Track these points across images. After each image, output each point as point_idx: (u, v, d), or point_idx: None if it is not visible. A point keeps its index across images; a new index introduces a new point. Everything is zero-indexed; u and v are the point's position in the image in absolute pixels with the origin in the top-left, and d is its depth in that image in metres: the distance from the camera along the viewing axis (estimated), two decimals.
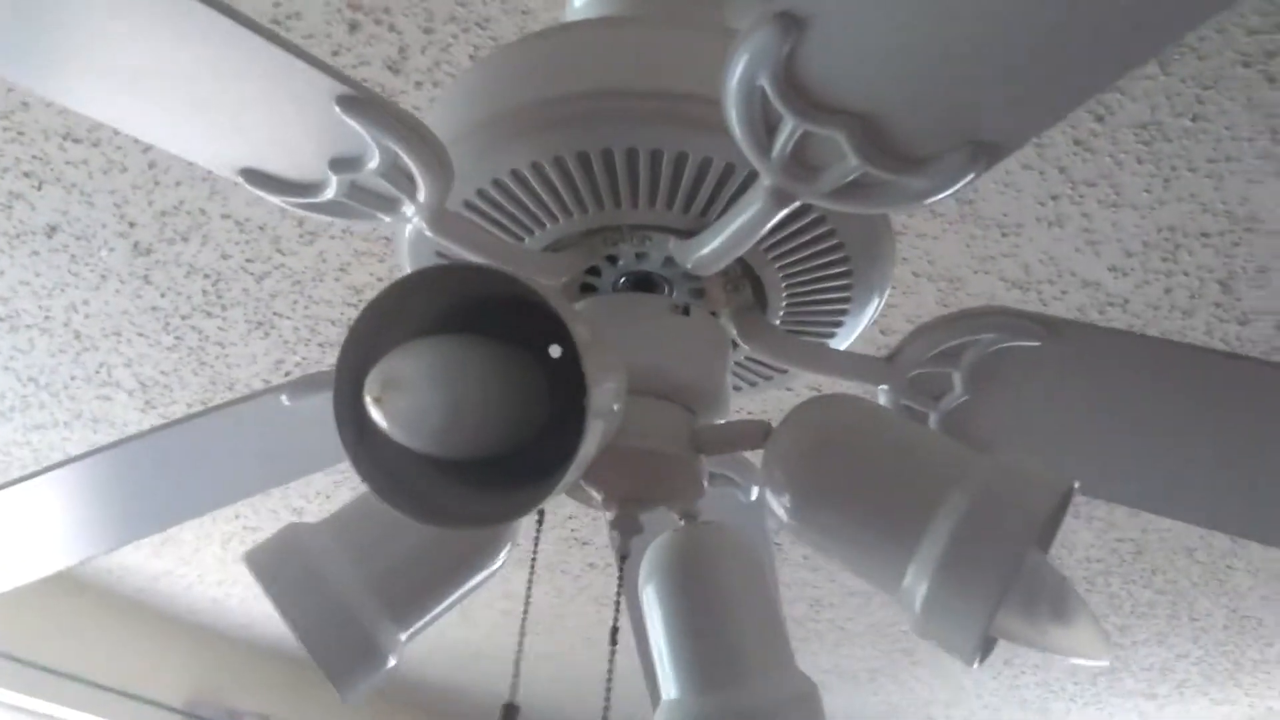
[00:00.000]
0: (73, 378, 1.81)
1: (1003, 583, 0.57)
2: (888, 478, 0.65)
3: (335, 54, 1.12)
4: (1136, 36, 0.54)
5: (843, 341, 0.86)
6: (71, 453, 2.06)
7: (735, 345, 0.83)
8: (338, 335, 1.61)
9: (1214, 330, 1.38)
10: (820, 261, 0.78)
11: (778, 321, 0.83)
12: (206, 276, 1.51)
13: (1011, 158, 1.08)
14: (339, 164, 0.65)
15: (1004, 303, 1.38)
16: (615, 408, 0.56)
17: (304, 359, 1.68)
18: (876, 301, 0.83)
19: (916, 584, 0.60)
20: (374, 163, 0.64)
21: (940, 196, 0.62)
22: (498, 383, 0.53)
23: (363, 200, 0.68)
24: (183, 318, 1.61)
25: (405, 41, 1.09)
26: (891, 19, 0.55)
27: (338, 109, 0.60)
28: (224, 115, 0.62)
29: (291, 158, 0.65)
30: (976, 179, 0.61)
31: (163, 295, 1.56)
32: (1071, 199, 1.20)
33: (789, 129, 0.60)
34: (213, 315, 1.59)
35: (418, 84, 1.14)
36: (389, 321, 0.51)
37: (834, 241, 0.76)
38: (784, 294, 0.81)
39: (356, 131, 0.61)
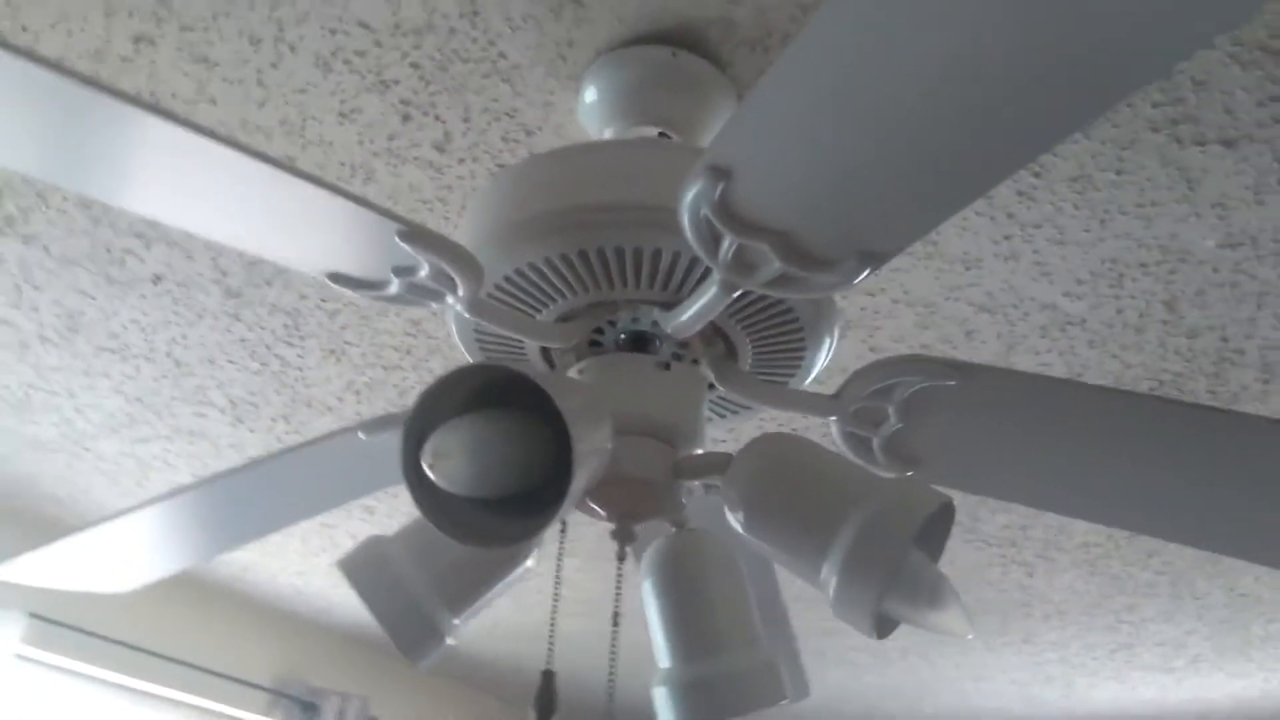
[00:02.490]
0: (173, 398, 2.08)
1: (886, 578, 0.77)
2: (811, 498, 0.85)
3: (392, 138, 1.35)
4: (986, 170, 0.74)
5: (802, 381, 1.07)
6: (171, 462, 2.34)
7: (713, 387, 1.04)
8: (398, 359, 1.85)
9: (1166, 343, 1.55)
10: (776, 323, 0.98)
11: (747, 368, 1.04)
12: (287, 313, 1.76)
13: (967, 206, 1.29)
14: (399, 270, 0.87)
15: (975, 324, 1.56)
16: (598, 456, 0.77)
17: (370, 379, 1.93)
18: (826, 350, 1.03)
19: (828, 578, 0.81)
20: (424, 271, 0.86)
21: (845, 288, 0.82)
22: (513, 444, 0.74)
23: (417, 295, 0.90)
24: (267, 347, 1.86)
25: (449, 128, 1.32)
26: (789, 170, 0.75)
27: (398, 239, 0.82)
28: (315, 243, 0.85)
29: (364, 268, 0.88)
30: (871, 274, 0.81)
31: (250, 329, 1.82)
32: (1022, 238, 1.38)
33: (728, 242, 0.81)
34: (292, 345, 1.84)
35: (460, 160, 1.37)
36: (437, 404, 0.73)
37: (785, 308, 0.96)
38: (750, 347, 1.02)
39: (411, 252, 0.84)
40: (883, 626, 0.82)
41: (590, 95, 1.20)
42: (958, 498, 1.03)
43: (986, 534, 2.23)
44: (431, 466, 0.70)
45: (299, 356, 1.88)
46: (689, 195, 0.78)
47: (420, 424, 0.72)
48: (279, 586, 3.12)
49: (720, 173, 0.76)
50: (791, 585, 2.71)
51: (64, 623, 2.77)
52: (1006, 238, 1.38)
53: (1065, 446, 0.96)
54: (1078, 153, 1.24)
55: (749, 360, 1.03)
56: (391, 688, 3.60)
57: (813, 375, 1.06)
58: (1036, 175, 1.28)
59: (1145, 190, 1.28)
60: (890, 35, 0.63)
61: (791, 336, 1.00)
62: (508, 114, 1.28)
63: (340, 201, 0.78)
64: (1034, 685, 3.17)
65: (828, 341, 1.02)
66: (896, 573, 0.78)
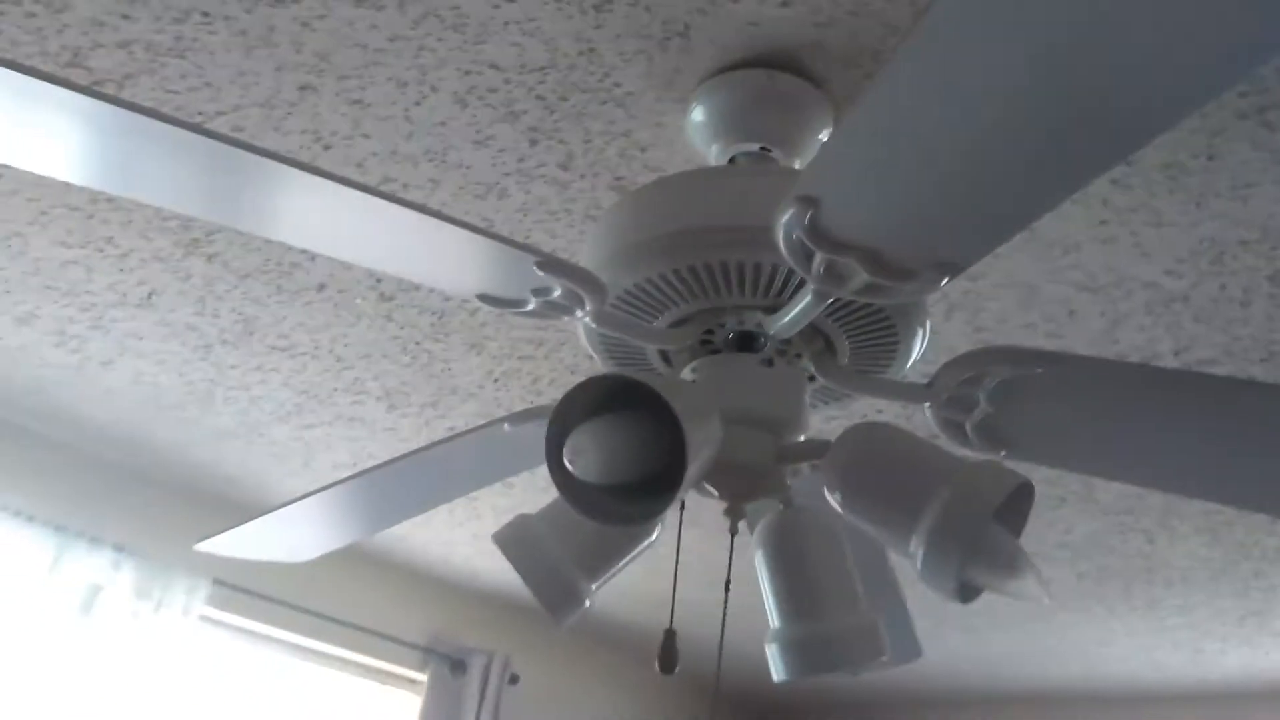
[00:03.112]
0: (334, 389, 2.31)
1: (966, 549, 0.88)
2: (900, 479, 0.96)
3: (521, 160, 1.50)
4: (1046, 195, 0.83)
5: (899, 371, 1.17)
6: (333, 445, 2.60)
7: (814, 379, 1.16)
8: (531, 350, 2.03)
9: (1274, 316, 1.57)
10: (868, 322, 1.09)
11: (846, 362, 1.15)
12: (434, 313, 1.95)
13: None
14: (537, 291, 1.02)
15: (1077, 304, 1.62)
16: (708, 447, 0.90)
17: (507, 369, 2.11)
18: (919, 343, 1.14)
19: (917, 550, 0.92)
20: (558, 292, 1.01)
21: (927, 295, 0.93)
22: (636, 440, 0.88)
23: (552, 311, 1.05)
24: (416, 343, 2.07)
25: (571, 149, 1.46)
26: (868, 197, 0.86)
27: (535, 268, 0.97)
28: (467, 274, 1.01)
29: (508, 290, 1.03)
30: (950, 283, 0.92)
31: (401, 328, 2.02)
32: (1118, 222, 1.43)
33: (819, 258, 0.92)
34: (439, 340, 2.04)
35: (581, 176, 1.51)
36: (573, 408, 0.87)
37: (876, 309, 1.07)
38: (848, 343, 1.13)
39: (546, 277, 0.98)
40: (965, 593, 0.93)
41: (698, 115, 1.32)
42: None
43: (1104, 503, 2.27)
44: (571, 462, 0.85)
45: (444, 350, 2.08)
46: (783, 220, 0.90)
47: (560, 426, 0.87)
48: (429, 555, 3.38)
49: (809, 201, 0.87)
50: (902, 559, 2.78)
51: (243, 588, 3.10)
52: (1103, 222, 1.44)
53: (1142, 424, 1.04)
54: (1167, 142, 1.29)
55: (847, 355, 1.14)
56: (532, 646, 3.84)
57: (909, 365, 1.16)
58: (1128, 164, 1.33)
59: (1238, 174, 1.32)
60: (954, 80, 0.73)
61: (884, 333, 1.11)
62: (623, 135, 1.42)
63: (486, 241, 0.93)
64: (1160, 651, 3.16)
65: (919, 336, 1.12)
66: (976, 545, 0.89)
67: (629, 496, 0.92)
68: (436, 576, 3.60)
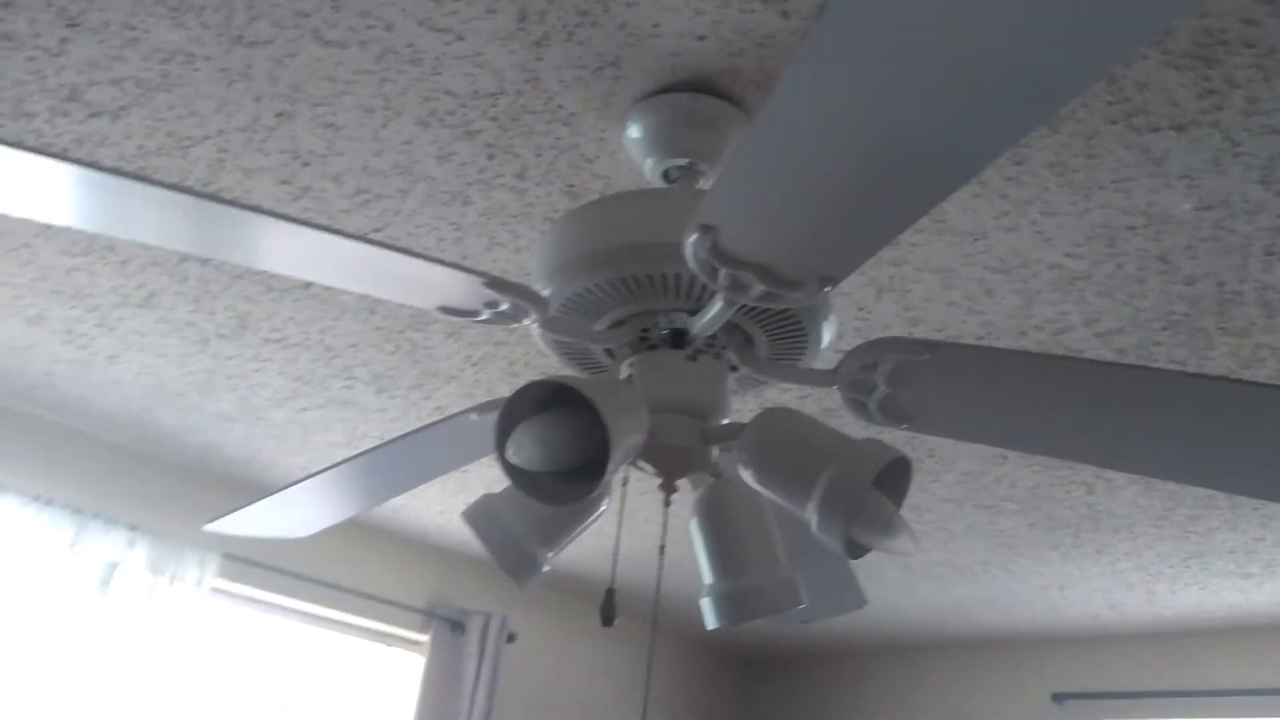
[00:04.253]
0: (326, 376, 2.48)
1: (850, 513, 1.05)
2: (798, 456, 1.13)
3: (481, 171, 1.66)
4: (905, 216, 0.99)
5: (812, 359, 1.34)
6: (329, 426, 2.77)
7: (737, 369, 1.33)
8: (504, 336, 2.19)
9: (1168, 290, 1.74)
10: (779, 319, 1.26)
11: (764, 354, 1.32)
12: (413, 307, 2.11)
13: (961, 190, 1.52)
14: (488, 304, 1.19)
15: (993, 284, 1.78)
16: (633, 435, 1.08)
17: (485, 353, 2.28)
18: (827, 334, 1.30)
19: (811, 515, 1.10)
20: (506, 305, 1.17)
21: (813, 301, 1.10)
22: (571, 434, 1.05)
23: (503, 319, 1.21)
24: (399, 333, 2.23)
25: (525, 162, 1.62)
26: (757, 223, 1.02)
27: (484, 287, 1.13)
28: (428, 293, 1.17)
29: (464, 303, 1.20)
30: (831, 290, 1.08)
31: (384, 320, 2.18)
32: (1018, 213, 1.60)
33: (723, 273, 1.08)
34: (419, 330, 2.21)
35: (537, 184, 1.67)
36: (516, 408, 1.04)
37: (783, 308, 1.24)
38: (765, 337, 1.30)
39: (494, 294, 1.15)
40: (853, 549, 1.10)
41: (633, 132, 1.48)
42: None
43: (1042, 458, 2.45)
44: (513, 455, 1.02)
45: (425, 339, 2.24)
46: (689, 242, 1.06)
47: (505, 423, 1.04)
48: (425, 524, 3.58)
49: (708, 228, 1.04)
50: None
51: (252, 560, 3.30)
52: (1005, 213, 1.60)
53: (1015, 398, 1.21)
54: (1051, 144, 1.45)
55: (765, 348, 1.31)
56: (528, 606, 4.06)
57: (821, 353, 1.33)
58: (1018, 164, 1.49)
59: (1116, 169, 1.48)
60: (820, 122, 0.87)
61: (794, 329, 1.28)
62: (570, 149, 1.58)
63: (440, 268, 1.10)
64: (1116, 592, 3.36)
65: (826, 328, 1.29)
66: (859, 509, 1.06)
67: (567, 479, 1.09)
68: (434, 544, 3.80)
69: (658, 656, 4.54)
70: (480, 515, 1.27)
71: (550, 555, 1.29)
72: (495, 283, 1.13)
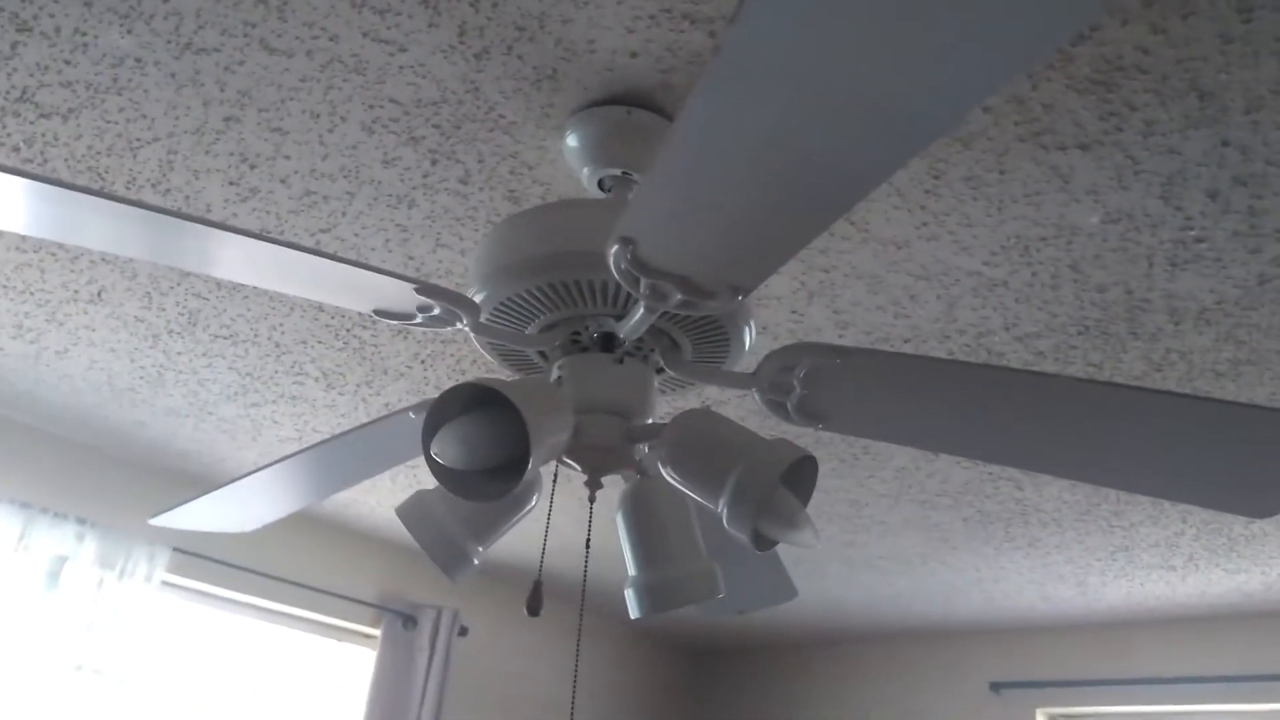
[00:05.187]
0: (276, 372, 2.52)
1: (757, 508, 1.13)
2: (711, 454, 1.20)
3: (426, 176, 1.71)
4: (809, 229, 1.06)
5: (735, 363, 1.41)
6: (279, 420, 2.81)
7: (662, 371, 1.39)
8: (452, 334, 2.24)
9: (1081, 296, 1.83)
10: (701, 325, 1.33)
11: (689, 357, 1.39)
12: None
13: (883, 201, 1.60)
14: (421, 308, 1.25)
15: (916, 290, 1.87)
16: (555, 434, 1.14)
17: (432, 351, 2.33)
18: (748, 339, 1.37)
19: (722, 509, 1.17)
20: (437, 309, 1.23)
21: (727, 309, 1.16)
22: (495, 434, 1.11)
23: (437, 322, 1.27)
24: (347, 330, 2.27)
25: (468, 168, 1.67)
26: (672, 236, 1.09)
27: (415, 292, 1.19)
28: (363, 298, 1.23)
29: (398, 307, 1.25)
30: (745, 299, 1.15)
31: (332, 317, 2.23)
32: (936, 223, 1.68)
33: (644, 282, 1.15)
34: (367, 328, 2.25)
35: (480, 189, 1.73)
36: (443, 410, 1.10)
37: (704, 314, 1.30)
38: (689, 342, 1.37)
39: (425, 300, 1.21)
40: (760, 542, 1.18)
41: (571, 142, 1.54)
42: None
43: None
44: (437, 454, 1.08)
45: (373, 336, 2.29)
46: (610, 253, 1.13)
47: (432, 424, 1.10)
48: (376, 518, 3.61)
49: (628, 240, 1.10)
50: (822, 506, 3.06)
51: (201, 554, 3.32)
52: (924, 224, 1.68)
53: (920, 400, 1.29)
54: (965, 159, 1.53)
55: (689, 351, 1.38)
56: (480, 600, 4.11)
57: (744, 356, 1.40)
58: (935, 178, 1.57)
59: (1027, 184, 1.56)
60: (724, 143, 0.94)
61: (717, 334, 1.34)
62: (511, 156, 1.63)
63: (374, 275, 1.15)
64: (1048, 584, 3.48)
65: (746, 333, 1.36)
66: (765, 504, 1.13)
67: (492, 477, 1.15)
68: (385, 538, 3.83)
69: (610, 650, 4.61)
70: (412, 511, 1.33)
71: (481, 550, 1.35)
72: (426, 288, 1.19)
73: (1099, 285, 1.79)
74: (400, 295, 1.20)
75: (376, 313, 1.27)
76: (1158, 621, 3.80)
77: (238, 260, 1.16)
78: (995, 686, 4.07)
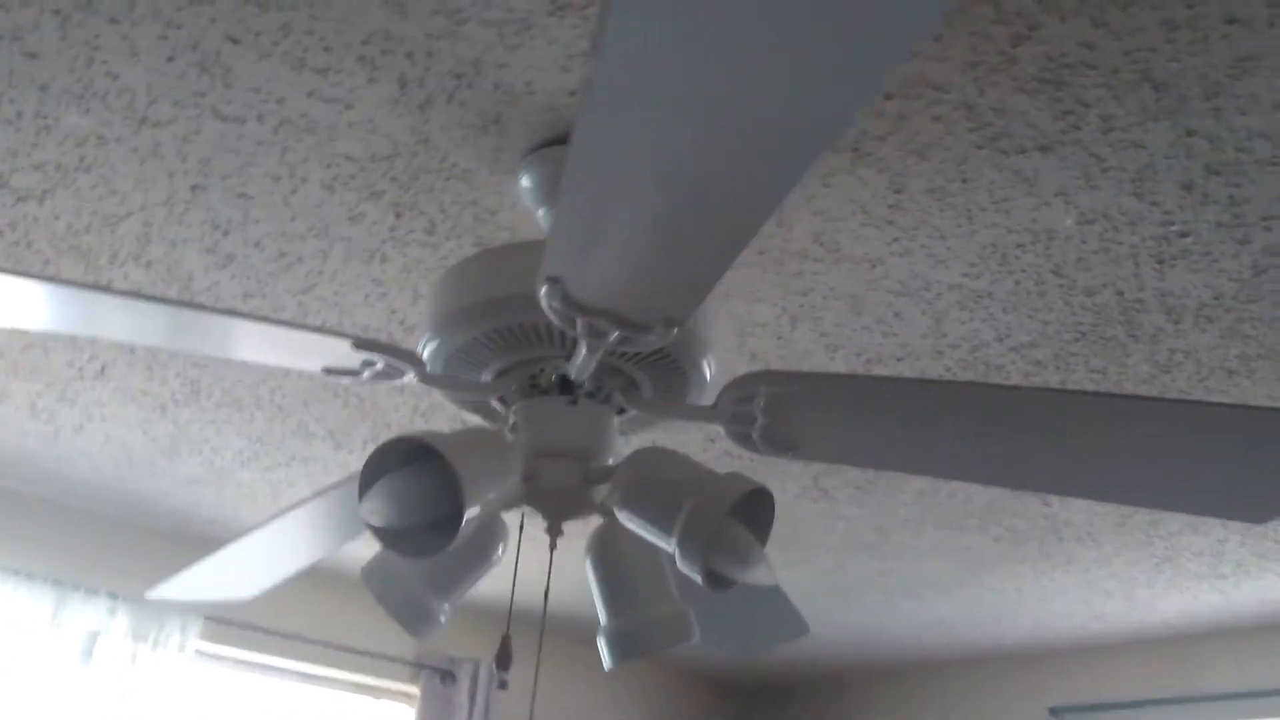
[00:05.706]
0: (283, 434, 2.54)
1: (707, 544, 1.09)
2: (661, 492, 1.17)
3: (393, 229, 1.71)
4: (722, 257, 1.03)
5: (698, 396, 1.38)
6: (294, 481, 2.82)
7: (624, 410, 1.37)
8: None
9: (1070, 302, 1.77)
10: (654, 360, 1.30)
11: (649, 394, 1.36)
12: None
13: (848, 219, 1.56)
14: (365, 364, 1.24)
15: (899, 306, 1.82)
16: (495, 485, 1.11)
17: (430, 403, 2.33)
18: (705, 372, 1.34)
19: (674, 547, 1.13)
20: (380, 364, 1.22)
21: (664, 342, 1.13)
22: (431, 487, 1.09)
23: (382, 376, 1.26)
24: (345, 388, 2.29)
25: (432, 218, 1.68)
26: (593, 272, 1.06)
27: (353, 349, 1.18)
28: (310, 358, 1.22)
29: (342, 364, 1.25)
30: (679, 331, 1.12)
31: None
32: (907, 239, 1.64)
33: (580, 320, 1.13)
34: (364, 385, 2.26)
35: (447, 238, 1.73)
36: (376, 467, 1.09)
37: (659, 351, 1.28)
38: (647, 378, 1.34)
39: (367, 354, 1.20)
40: (715, 581, 1.14)
41: (525, 183, 1.53)
42: None
43: None
44: (366, 514, 1.06)
45: (371, 392, 2.30)
46: (540, 294, 1.11)
47: (365, 483, 1.09)
48: None
49: (555, 279, 1.08)
50: (848, 535, 2.98)
51: (234, 621, 3.33)
52: (895, 239, 1.64)
53: (890, 423, 1.24)
54: (924, 170, 1.49)
55: (648, 387, 1.35)
56: (515, 652, 4.06)
57: (705, 389, 1.37)
58: (897, 192, 1.54)
59: (993, 191, 1.52)
60: (615, 179, 0.92)
61: (672, 369, 1.32)
62: (471, 203, 1.63)
63: (316, 335, 1.15)
64: (1096, 601, 3.35)
65: (705, 365, 1.33)
66: (715, 540, 1.10)
67: (430, 531, 1.13)
68: None
69: (655, 690, 4.53)
70: (374, 572, 1.31)
71: (446, 606, 1.33)
72: (363, 343, 1.18)
73: (1086, 289, 1.73)
74: (341, 352, 1.20)
75: (325, 371, 1.27)
76: (1218, 633, 3.63)
77: (191, 334, 1.17)
78: (1055, 711, 3.91)
